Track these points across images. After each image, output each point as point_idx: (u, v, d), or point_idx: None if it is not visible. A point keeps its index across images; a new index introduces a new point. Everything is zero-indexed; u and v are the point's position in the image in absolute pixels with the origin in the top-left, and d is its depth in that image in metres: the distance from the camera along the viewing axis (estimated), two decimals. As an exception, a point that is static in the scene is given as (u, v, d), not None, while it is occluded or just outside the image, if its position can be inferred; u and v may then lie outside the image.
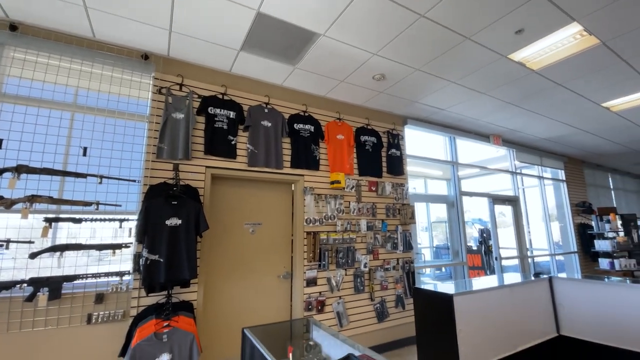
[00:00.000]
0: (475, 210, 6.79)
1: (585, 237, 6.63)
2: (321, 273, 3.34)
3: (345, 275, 3.49)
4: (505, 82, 3.54)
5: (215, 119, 2.99)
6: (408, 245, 4.01)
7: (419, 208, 6.12)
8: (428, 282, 5.69)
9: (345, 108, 3.95)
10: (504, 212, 6.19)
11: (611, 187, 8.70)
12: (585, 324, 3.03)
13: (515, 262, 5.73)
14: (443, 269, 6.35)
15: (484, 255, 6.36)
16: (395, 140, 4.28)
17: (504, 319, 2.86)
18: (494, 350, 2.70)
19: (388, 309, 3.68)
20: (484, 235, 6.54)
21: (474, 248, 6.54)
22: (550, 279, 3.26)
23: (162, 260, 2.33)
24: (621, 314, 2.83)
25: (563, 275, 3.36)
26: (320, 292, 3.29)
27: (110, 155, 2.56)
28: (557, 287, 3.23)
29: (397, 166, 4.21)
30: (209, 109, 2.98)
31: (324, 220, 3.45)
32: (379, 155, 4.08)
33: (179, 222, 2.45)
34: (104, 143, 2.57)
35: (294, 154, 3.42)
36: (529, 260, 5.80)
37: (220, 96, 3.09)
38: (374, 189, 3.94)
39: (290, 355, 1.59)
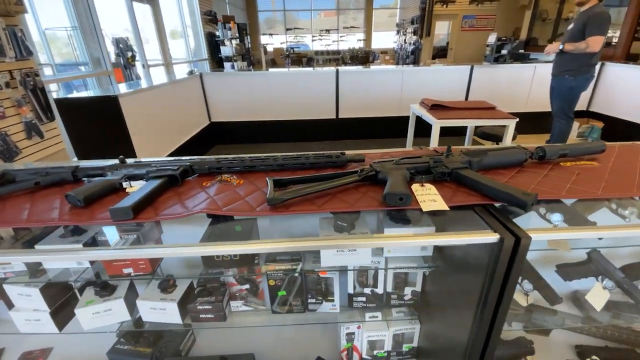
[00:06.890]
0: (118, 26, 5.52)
1: (213, 45, 7.66)
2: None
3: None
4: None
5: None
6: (25, 50, 2.67)
7: None
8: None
9: None
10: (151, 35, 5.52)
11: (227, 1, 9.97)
12: (225, 109, 3.84)
13: (163, 74, 5.72)
14: (91, 92, 5.18)
15: (125, 69, 5.76)
16: None
17: (170, 117, 2.97)
18: (165, 149, 2.86)
19: (17, 144, 2.61)
20: (120, 46, 5.70)
21: (114, 61, 5.67)
22: (200, 75, 3.61)
23: None
24: (249, 96, 3.81)
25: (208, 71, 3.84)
26: None
27: None
28: (206, 82, 3.68)
29: None
30: None
31: None
32: None
33: None
34: None
35: None
36: (173, 67, 6.01)
37: None
38: None
39: None
